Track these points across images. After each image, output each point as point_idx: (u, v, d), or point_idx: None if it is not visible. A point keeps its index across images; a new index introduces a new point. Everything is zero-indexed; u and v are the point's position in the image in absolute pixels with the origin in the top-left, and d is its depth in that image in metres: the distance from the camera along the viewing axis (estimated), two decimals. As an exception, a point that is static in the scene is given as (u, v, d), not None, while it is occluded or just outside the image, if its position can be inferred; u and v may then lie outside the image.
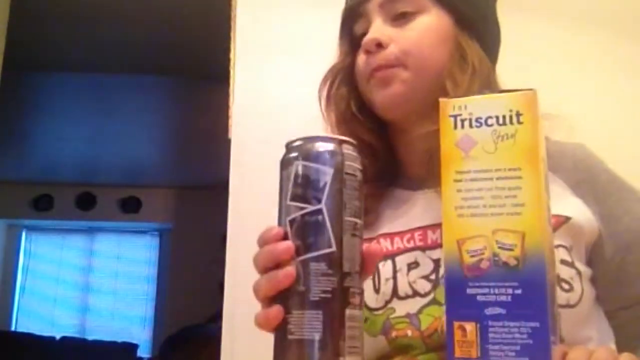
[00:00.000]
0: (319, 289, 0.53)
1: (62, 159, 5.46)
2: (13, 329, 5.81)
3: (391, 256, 0.83)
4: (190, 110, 4.29)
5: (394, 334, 0.79)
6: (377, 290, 0.81)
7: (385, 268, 0.82)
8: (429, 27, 0.86)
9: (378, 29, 0.85)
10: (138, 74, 3.80)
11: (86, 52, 3.56)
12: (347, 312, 0.54)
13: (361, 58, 0.89)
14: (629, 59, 1.78)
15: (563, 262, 0.77)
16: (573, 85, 1.57)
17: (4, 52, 2.21)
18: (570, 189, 0.83)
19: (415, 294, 0.79)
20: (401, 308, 0.79)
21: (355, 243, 0.57)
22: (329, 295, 0.54)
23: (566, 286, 0.75)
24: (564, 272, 0.76)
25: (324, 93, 0.95)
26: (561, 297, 0.74)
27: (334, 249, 0.55)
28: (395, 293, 0.80)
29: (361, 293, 0.57)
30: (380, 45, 0.85)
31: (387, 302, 0.80)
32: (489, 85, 0.85)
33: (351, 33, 0.91)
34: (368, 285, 0.81)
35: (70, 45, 3.47)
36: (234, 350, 1.60)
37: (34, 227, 6.17)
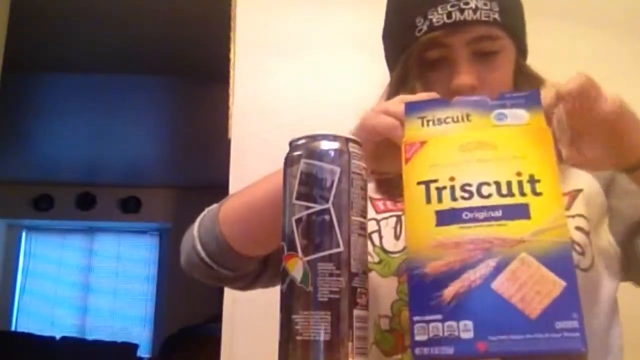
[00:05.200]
0: (326, 289, 0.53)
1: (62, 159, 5.45)
2: (13, 329, 5.81)
3: None
4: (190, 110, 4.29)
5: None
6: (397, 237, 0.85)
7: None
8: (508, 65, 0.88)
9: (469, 71, 0.85)
10: (138, 74, 3.80)
11: (86, 52, 3.56)
12: (355, 312, 0.53)
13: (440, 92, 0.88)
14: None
15: (578, 229, 0.82)
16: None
17: (4, 52, 2.21)
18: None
19: None
20: None
21: (361, 243, 0.56)
22: (337, 296, 0.53)
23: (579, 249, 0.80)
24: (578, 237, 0.81)
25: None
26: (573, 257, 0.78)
27: (342, 248, 0.54)
28: None
29: (367, 293, 0.56)
30: (473, 89, 0.85)
31: (405, 247, 0.83)
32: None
33: (421, 57, 0.88)
34: (388, 233, 0.86)
35: (70, 45, 3.47)
36: (234, 351, 1.60)
37: (34, 227, 6.17)
